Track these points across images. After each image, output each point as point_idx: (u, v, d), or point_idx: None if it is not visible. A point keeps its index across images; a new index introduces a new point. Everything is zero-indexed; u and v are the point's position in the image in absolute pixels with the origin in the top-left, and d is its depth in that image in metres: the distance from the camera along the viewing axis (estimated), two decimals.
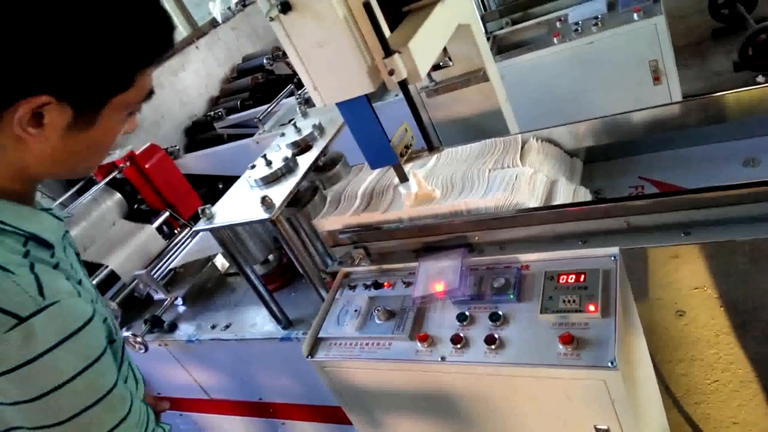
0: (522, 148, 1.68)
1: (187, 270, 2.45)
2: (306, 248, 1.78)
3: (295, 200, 1.74)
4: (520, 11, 3.15)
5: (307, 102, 4.00)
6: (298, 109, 2.18)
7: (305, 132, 1.94)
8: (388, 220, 1.65)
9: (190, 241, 2.62)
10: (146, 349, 2.20)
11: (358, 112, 1.61)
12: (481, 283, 1.47)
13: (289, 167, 1.78)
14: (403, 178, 1.78)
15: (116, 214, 2.77)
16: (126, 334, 2.19)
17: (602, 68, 2.63)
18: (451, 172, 1.68)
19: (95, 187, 2.75)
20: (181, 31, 6.69)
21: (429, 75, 2.13)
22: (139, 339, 2.18)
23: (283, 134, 2.02)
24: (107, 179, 2.77)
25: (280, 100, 4.45)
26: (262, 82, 6.24)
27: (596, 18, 2.66)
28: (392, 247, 1.74)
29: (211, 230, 1.71)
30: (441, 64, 2.11)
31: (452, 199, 1.56)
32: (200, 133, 6.12)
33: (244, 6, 7.43)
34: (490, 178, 1.57)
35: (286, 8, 1.40)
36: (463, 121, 2.13)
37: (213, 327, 2.15)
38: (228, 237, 1.76)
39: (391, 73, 1.50)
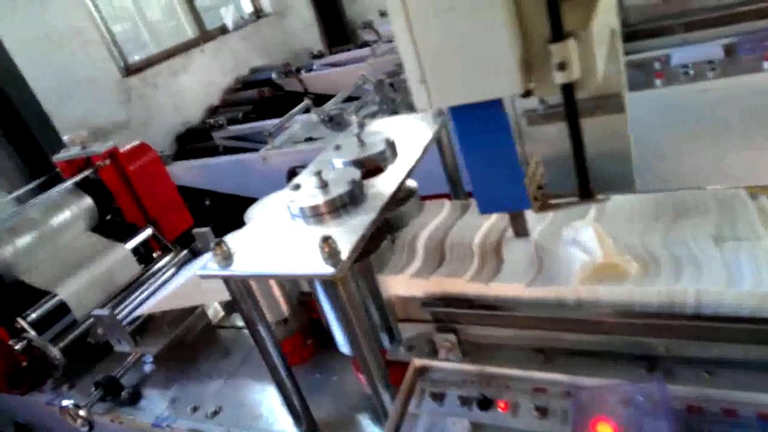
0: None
1: (165, 315, 1.79)
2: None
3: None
4: None
5: (331, 120, 3.45)
6: (355, 119, 1.60)
7: (373, 149, 1.35)
8: (537, 299, 1.03)
9: (174, 271, 1.97)
10: (91, 427, 1.51)
11: (485, 126, 1.04)
12: None
13: (354, 196, 1.18)
14: (522, 232, 1.19)
15: (82, 225, 2.10)
16: (65, 403, 1.50)
17: (717, 121, 2.13)
18: (632, 235, 1.09)
19: (60, 186, 2.09)
20: (187, 31, 6.15)
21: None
22: (81, 412, 1.49)
23: (338, 147, 1.43)
24: (77, 178, 2.12)
25: (294, 116, 3.87)
26: (268, 97, 5.71)
27: (712, 62, 2.17)
28: (500, 339, 1.13)
29: (228, 278, 1.08)
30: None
31: (665, 281, 0.95)
32: (193, 143, 5.51)
33: (258, 17, 6.99)
34: (724, 253, 0.98)
35: None
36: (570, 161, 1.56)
37: (195, 409, 1.48)
38: (246, 288, 1.13)
39: (561, 67, 0.95)
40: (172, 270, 1.98)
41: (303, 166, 3.47)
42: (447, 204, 1.38)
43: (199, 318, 1.81)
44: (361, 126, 1.57)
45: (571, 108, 1.01)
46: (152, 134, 5.32)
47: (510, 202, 1.09)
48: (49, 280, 1.88)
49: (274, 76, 5.44)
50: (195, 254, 2.06)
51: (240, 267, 1.05)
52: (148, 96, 5.38)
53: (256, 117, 5.10)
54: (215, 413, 1.44)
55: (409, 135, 1.43)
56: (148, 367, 1.72)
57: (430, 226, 1.29)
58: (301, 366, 1.51)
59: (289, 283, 1.50)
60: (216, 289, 1.48)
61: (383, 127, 1.52)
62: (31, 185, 2.42)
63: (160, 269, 2.02)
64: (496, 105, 1.01)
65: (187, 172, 4.27)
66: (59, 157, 2.26)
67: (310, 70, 5.30)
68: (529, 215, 1.21)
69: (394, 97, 3.00)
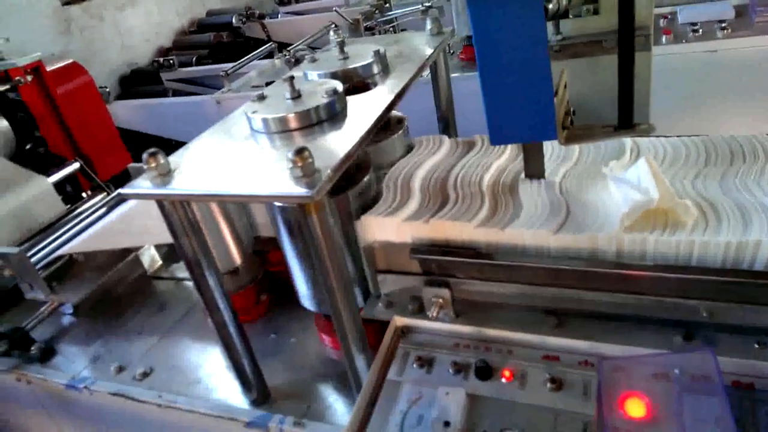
0: None
1: (90, 260, 1.50)
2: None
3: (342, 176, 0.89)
4: None
5: (297, 62, 3.14)
6: (332, 33, 1.34)
7: (358, 61, 1.10)
8: (564, 249, 0.82)
9: (105, 212, 1.67)
10: None
11: (515, 26, 0.83)
12: (748, 417, 0.70)
13: (333, 110, 0.94)
14: (536, 172, 0.99)
15: None
16: None
17: (725, 82, 1.99)
18: (680, 180, 0.89)
19: None
20: None
21: (555, 24, 1.37)
22: None
23: (314, 60, 1.17)
24: None
25: (253, 59, 3.53)
26: (226, 42, 5.30)
27: (722, 21, 2.03)
28: (501, 297, 0.93)
29: (163, 200, 0.82)
30: (571, 12, 1.36)
31: (733, 232, 0.76)
32: (139, 86, 5.07)
33: None
34: None
35: None
36: (585, 102, 1.37)
37: (120, 369, 1.23)
38: (190, 220, 0.88)
39: None
40: (102, 210, 1.68)
41: None
42: (446, 140, 1.15)
43: (131, 266, 1.54)
44: (342, 44, 1.32)
45: (628, 13, 0.81)
46: (94, 73, 4.77)
47: (533, 130, 0.88)
48: None
49: (233, 20, 5.06)
50: None
51: (180, 185, 0.80)
52: (91, 29, 4.86)
53: (212, 62, 4.73)
54: (145, 375, 1.19)
55: (400, 54, 1.19)
56: (66, 320, 1.44)
57: (427, 163, 1.07)
58: (252, 325, 1.28)
59: (242, 225, 1.25)
60: (158, 227, 1.22)
61: (369, 45, 1.27)
62: None
63: (88, 209, 1.71)
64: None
65: (130, 113, 3.89)
66: None
67: (274, 16, 4.94)
68: (548, 157, 1.01)
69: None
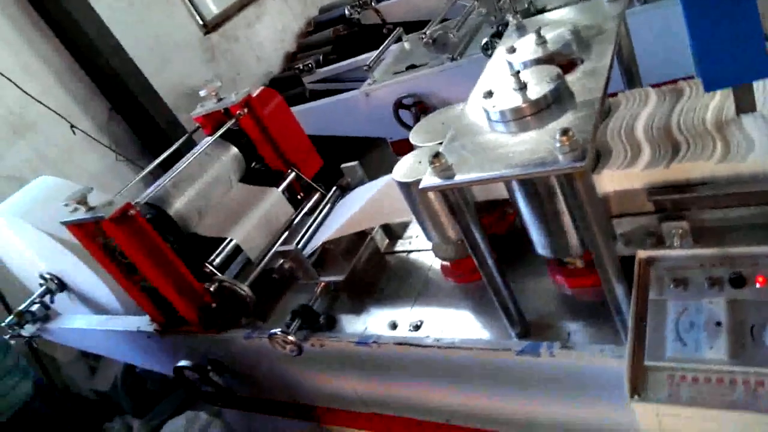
0: None
1: (337, 246, 1.86)
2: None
3: None
4: None
5: (435, 42, 3.33)
6: (512, 18, 1.52)
7: (557, 43, 1.28)
8: None
9: (330, 208, 2.04)
10: (300, 351, 1.63)
11: None
12: None
13: (560, 93, 1.14)
14: (749, 107, 1.11)
15: (234, 175, 2.20)
16: (273, 330, 1.62)
17: None
18: None
19: (207, 140, 2.17)
20: None
21: None
22: (291, 338, 1.61)
23: (513, 50, 1.37)
24: (222, 131, 2.19)
25: (390, 46, 3.78)
26: (345, 35, 5.59)
27: None
28: (733, 220, 1.08)
29: (452, 189, 1.09)
30: None
31: None
32: (279, 92, 5.56)
33: None
34: None
35: None
36: None
37: (394, 326, 1.56)
38: (465, 199, 1.14)
39: None
40: (328, 207, 2.04)
41: (410, 96, 3.40)
42: (651, 91, 1.30)
43: (367, 246, 1.87)
44: (520, 26, 1.51)
45: None
46: (240, 89, 5.40)
47: (747, 70, 1.01)
48: (220, 228, 2.00)
49: (346, 11, 5.28)
50: (343, 190, 2.11)
51: (467, 175, 1.06)
52: (231, 51, 5.44)
53: (337, 58, 5.04)
54: (417, 327, 1.51)
55: (587, 26, 1.34)
56: (331, 296, 1.82)
57: (642, 115, 1.24)
58: None
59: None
60: (397, 209, 1.52)
61: (548, 22, 1.44)
62: (158, 160, 2.17)
63: (314, 207, 2.09)
64: None
65: None
66: (197, 112, 2.34)
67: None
68: (759, 91, 1.13)
69: (501, 5, 2.84)
